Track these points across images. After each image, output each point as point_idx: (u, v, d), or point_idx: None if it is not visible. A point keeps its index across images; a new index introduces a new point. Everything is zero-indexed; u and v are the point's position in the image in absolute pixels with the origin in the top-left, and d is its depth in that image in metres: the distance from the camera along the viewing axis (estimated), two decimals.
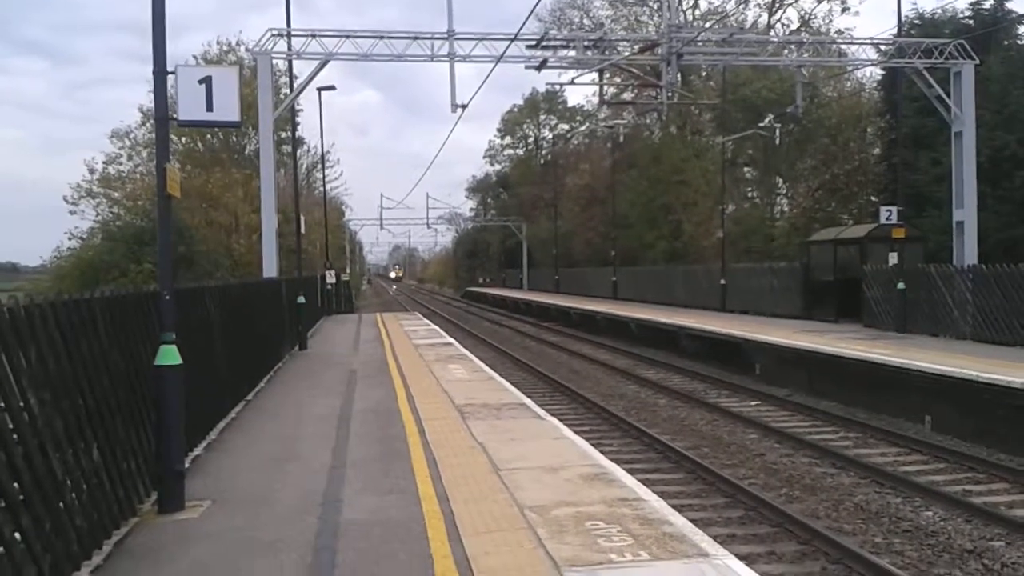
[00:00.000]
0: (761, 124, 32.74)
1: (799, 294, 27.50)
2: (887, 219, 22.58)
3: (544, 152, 77.61)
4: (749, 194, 46.55)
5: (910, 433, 14.13)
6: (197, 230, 32.74)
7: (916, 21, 32.11)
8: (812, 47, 27.26)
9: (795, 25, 46.08)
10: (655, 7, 44.43)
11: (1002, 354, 16.55)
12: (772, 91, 38.28)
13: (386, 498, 7.21)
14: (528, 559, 5.58)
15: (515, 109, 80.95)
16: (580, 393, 18.75)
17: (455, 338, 25.36)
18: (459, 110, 23.91)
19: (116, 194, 36.88)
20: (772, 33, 42.84)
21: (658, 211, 47.54)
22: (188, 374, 7.46)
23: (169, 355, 7.09)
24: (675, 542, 5.87)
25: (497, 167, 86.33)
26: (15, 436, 4.88)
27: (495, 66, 22.82)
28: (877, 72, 35.85)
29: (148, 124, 37.19)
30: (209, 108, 7.54)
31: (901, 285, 21.57)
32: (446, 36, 23.47)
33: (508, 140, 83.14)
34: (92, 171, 36.98)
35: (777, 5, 47.30)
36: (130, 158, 38.46)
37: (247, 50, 37.29)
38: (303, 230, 25.63)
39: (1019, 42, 31.22)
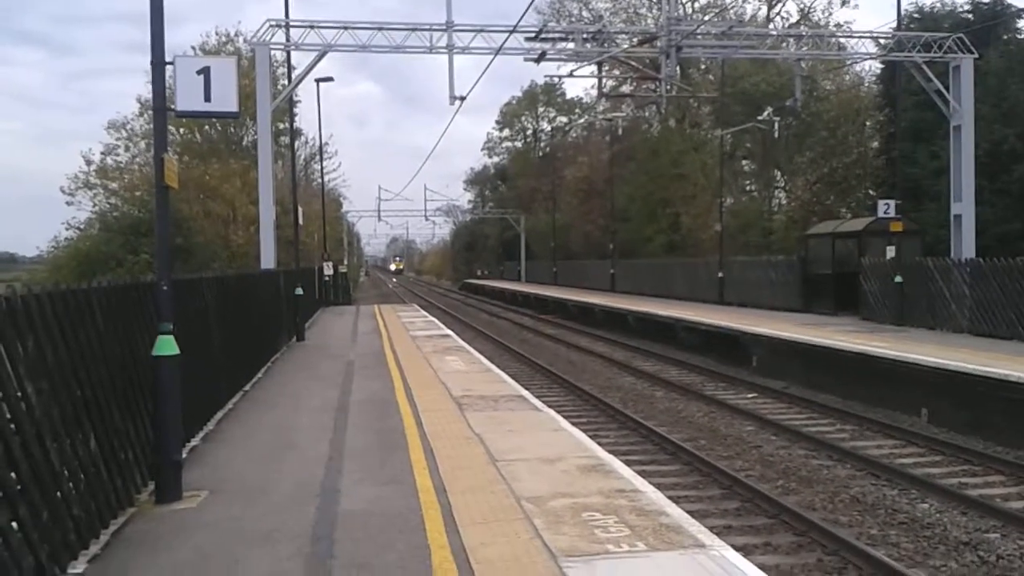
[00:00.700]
0: (760, 117, 32.73)
1: (797, 287, 27.53)
2: (885, 212, 22.59)
3: (542, 144, 77.57)
4: (747, 187, 46.56)
5: (907, 426, 14.16)
6: (195, 221, 32.74)
7: (915, 15, 32.14)
8: (811, 40, 27.27)
9: (794, 18, 46.03)
10: (654, 0, 44.39)
11: (999, 347, 16.59)
12: (771, 84, 38.25)
13: (383, 489, 7.23)
14: (525, 549, 5.60)
15: (513, 101, 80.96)
16: (577, 385, 18.76)
17: (453, 330, 25.38)
18: (457, 102, 23.88)
19: (113, 185, 36.87)
20: (771, 26, 42.80)
21: (656, 204, 47.52)
22: (185, 364, 7.47)
23: (167, 345, 7.09)
24: (672, 533, 5.88)
25: (495, 159, 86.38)
26: (12, 426, 4.89)
27: (494, 58, 22.78)
28: (876, 66, 35.88)
29: (146, 115, 37.15)
30: (207, 99, 7.52)
31: (899, 278, 21.60)
32: (444, 28, 23.43)
33: (506, 132, 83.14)
34: (89, 162, 37.00)
35: None
36: (127, 149, 38.49)
37: (245, 41, 37.31)
38: (301, 222, 25.60)
39: (1018, 36, 31.23)
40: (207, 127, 39.44)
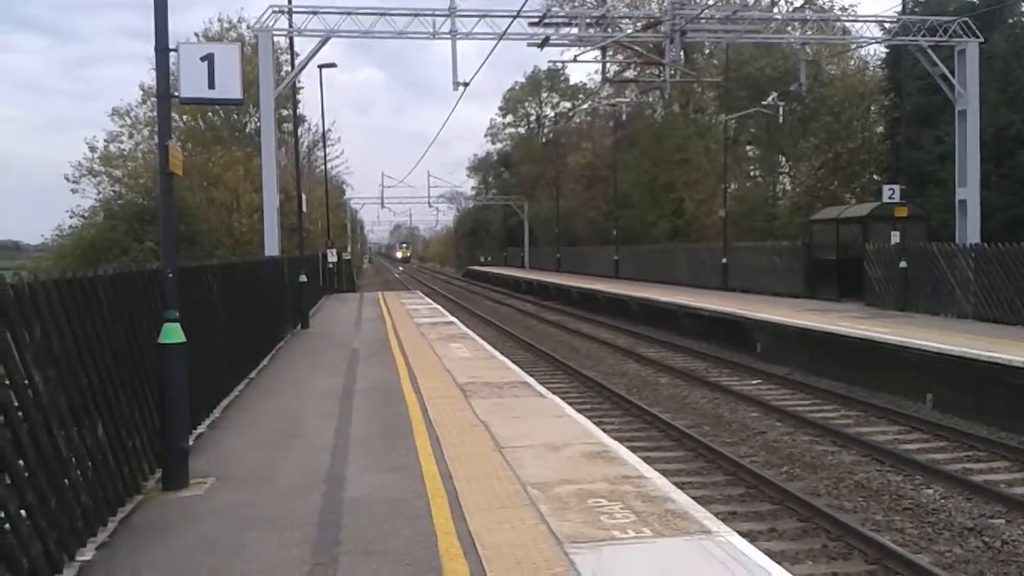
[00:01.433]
0: (764, 102, 32.62)
1: (801, 273, 27.49)
2: (890, 198, 22.54)
3: (546, 130, 77.35)
4: (752, 173, 46.47)
5: (911, 411, 14.16)
6: (198, 209, 32.76)
7: None
8: (816, 25, 27.16)
9: (799, 2, 45.76)
10: None
11: (1004, 332, 16.57)
12: (775, 69, 38.12)
13: (389, 475, 7.25)
14: (531, 535, 5.61)
15: (517, 87, 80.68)
16: (581, 372, 18.78)
17: (456, 317, 25.40)
18: (461, 88, 23.86)
19: (117, 172, 36.90)
20: (776, 10, 42.54)
21: (660, 190, 47.44)
22: (191, 352, 7.48)
23: (173, 333, 7.10)
24: (677, 519, 5.90)
25: (499, 145, 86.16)
26: (20, 413, 4.90)
27: (497, 43, 22.72)
28: (881, 50, 35.65)
29: (149, 102, 37.16)
30: (211, 85, 7.49)
31: (903, 264, 21.56)
32: (448, 13, 23.38)
33: (510, 118, 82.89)
34: (93, 149, 37.04)
35: None
36: (131, 136, 38.54)
37: (248, 27, 37.24)
38: (304, 209, 25.59)
39: None
40: (210, 114, 39.42)
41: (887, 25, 26.33)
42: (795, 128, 39.04)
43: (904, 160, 25.00)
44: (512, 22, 22.45)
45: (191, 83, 7.56)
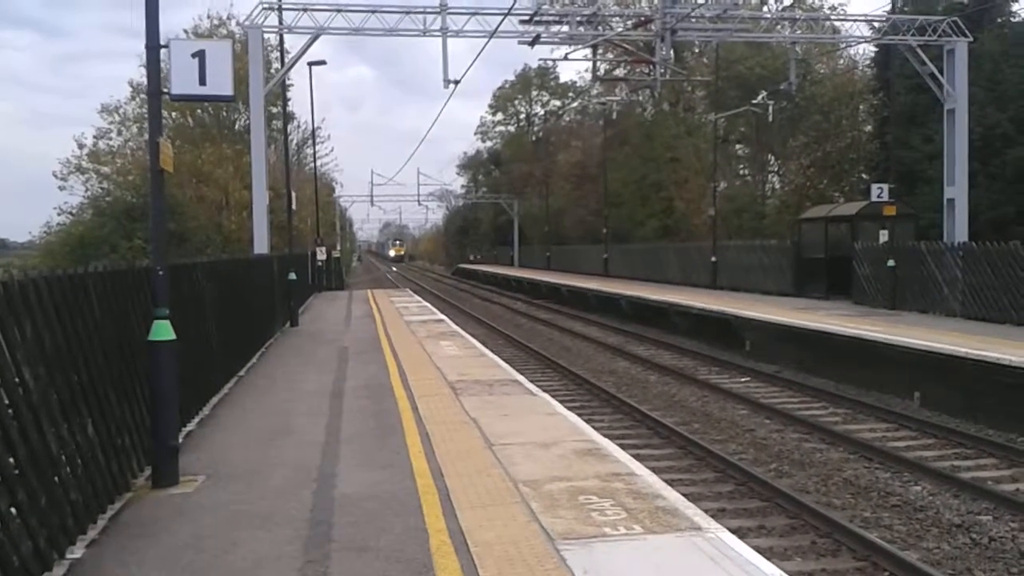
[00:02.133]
0: (754, 101, 32.68)
1: (790, 271, 27.58)
2: (878, 196, 22.64)
3: (536, 129, 77.30)
4: (741, 171, 46.55)
5: (899, 409, 14.23)
6: (188, 206, 32.66)
7: None
8: (806, 24, 27.22)
9: (789, 1, 45.85)
10: None
11: (991, 331, 16.66)
12: (765, 68, 38.21)
13: (380, 473, 7.25)
14: (523, 532, 5.63)
15: (507, 85, 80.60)
16: (571, 370, 18.81)
17: (446, 315, 25.38)
18: (451, 86, 23.83)
19: (106, 169, 36.74)
20: (766, 9, 42.61)
21: (650, 188, 47.50)
22: (181, 349, 7.46)
23: (163, 330, 7.09)
24: (668, 516, 5.92)
25: (489, 144, 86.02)
26: (10, 411, 4.89)
27: (488, 41, 22.72)
28: (870, 49, 35.77)
29: (138, 99, 37.04)
30: (202, 82, 7.49)
31: (891, 262, 21.65)
32: (438, 10, 23.37)
33: (500, 116, 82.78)
34: (81, 146, 36.85)
35: None
36: (120, 133, 38.37)
37: (238, 24, 37.03)
38: (294, 206, 25.54)
39: (1012, 20, 31.18)
40: (199, 111, 39.29)
41: (876, 24, 26.42)
42: (784, 127, 39.13)
43: (893, 159, 25.11)
44: (503, 20, 22.45)
45: (182, 80, 7.55)
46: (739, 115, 37.09)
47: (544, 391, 11.62)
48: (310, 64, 31.04)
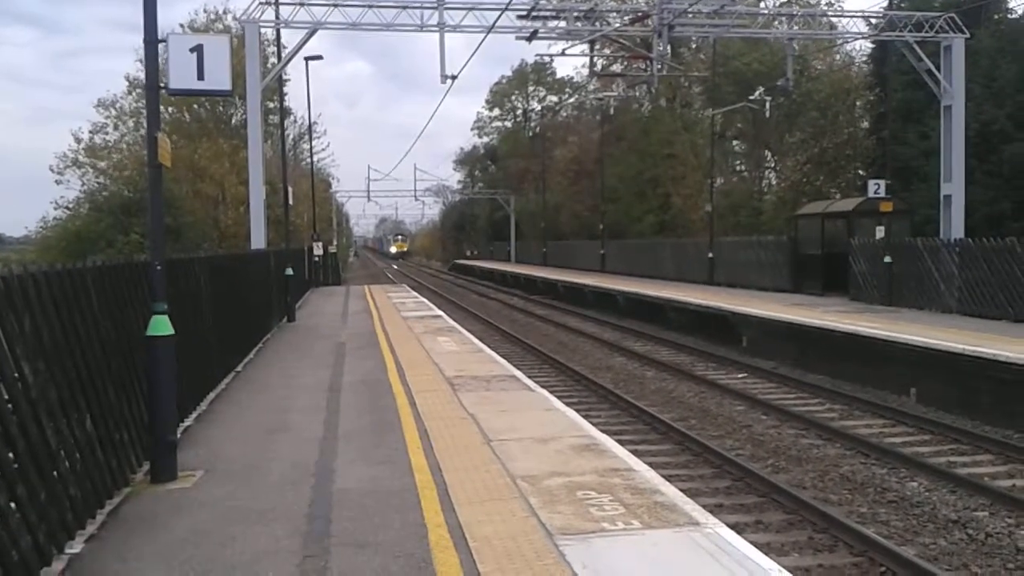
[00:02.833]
0: (751, 97, 32.69)
1: (786, 267, 27.61)
2: (875, 193, 22.66)
3: (533, 124, 77.21)
4: (738, 167, 46.56)
5: (895, 405, 14.27)
6: (184, 201, 32.56)
7: None
8: (803, 20, 27.20)
9: None
10: None
11: (987, 327, 16.70)
12: (762, 64, 38.20)
13: (379, 468, 7.26)
14: (521, 527, 5.64)
15: (504, 81, 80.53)
16: (568, 365, 18.82)
17: (443, 311, 25.37)
18: (448, 81, 23.80)
19: (102, 164, 36.63)
20: (763, 5, 42.55)
21: (647, 184, 47.50)
22: (179, 344, 7.46)
23: (161, 325, 7.09)
24: (666, 511, 5.93)
25: (485, 139, 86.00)
26: (10, 405, 4.89)
27: (485, 36, 22.69)
28: (867, 45, 35.77)
29: (135, 93, 36.92)
30: (200, 77, 7.47)
31: (888, 258, 21.68)
32: (436, 5, 23.33)
33: (496, 112, 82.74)
34: (78, 140, 36.76)
35: None
36: (116, 127, 38.23)
37: (235, 18, 36.99)
38: (290, 202, 25.51)
39: (1010, 16, 31.20)
40: (196, 106, 39.20)
41: (873, 20, 26.40)
42: (781, 123, 39.15)
43: (889, 155, 25.11)
44: (501, 15, 22.41)
45: (180, 74, 7.54)
46: (736, 111, 37.10)
47: (542, 387, 11.62)
48: (307, 59, 31.00)
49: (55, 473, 5.42)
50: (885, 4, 26.11)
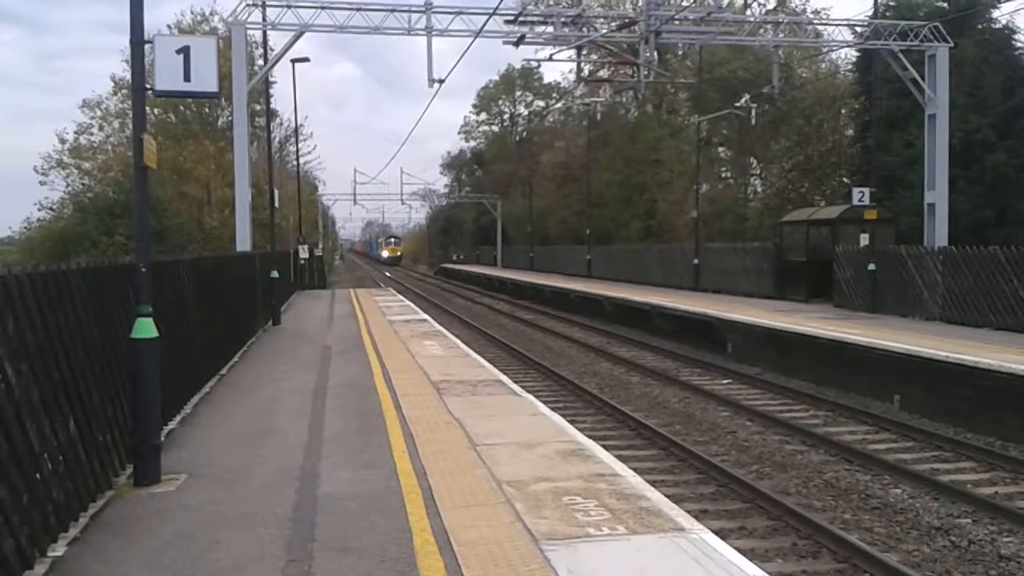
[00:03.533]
0: (737, 104, 32.82)
1: (771, 274, 27.72)
2: (859, 200, 22.77)
3: (520, 129, 77.32)
4: (723, 174, 46.69)
5: (879, 412, 14.33)
6: (169, 203, 32.38)
7: (891, 3, 32.20)
8: (789, 27, 27.34)
9: (772, 4, 46.08)
10: None
11: (970, 335, 16.81)
12: (748, 71, 38.31)
13: (364, 472, 7.23)
14: (507, 533, 5.63)
15: (491, 85, 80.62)
16: (554, 370, 18.82)
17: (429, 315, 25.35)
18: (436, 85, 23.80)
19: (87, 165, 36.44)
20: (749, 13, 42.83)
21: (633, 190, 47.61)
22: (163, 347, 7.42)
23: (145, 328, 7.04)
24: (652, 517, 5.94)
25: (472, 143, 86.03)
26: None
27: (473, 41, 22.68)
28: (852, 54, 35.97)
29: (120, 94, 36.74)
30: (187, 78, 7.43)
31: (872, 266, 21.80)
32: (423, 9, 23.33)
33: (483, 116, 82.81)
34: (63, 141, 36.53)
35: None
36: (101, 128, 38.01)
37: (221, 20, 36.92)
38: (276, 204, 25.43)
39: (993, 26, 31.41)
40: (182, 108, 39.02)
41: (859, 29, 26.58)
42: (767, 130, 39.28)
43: (874, 163, 25.26)
44: (488, 20, 22.45)
45: (166, 76, 7.50)
46: (722, 118, 37.25)
47: (528, 392, 11.62)
48: (293, 61, 30.92)
49: (38, 475, 5.38)
50: (870, 13, 26.26)
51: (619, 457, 8.46)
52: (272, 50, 25.91)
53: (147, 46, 7.35)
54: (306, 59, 31.82)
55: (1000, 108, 27.47)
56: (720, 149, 46.55)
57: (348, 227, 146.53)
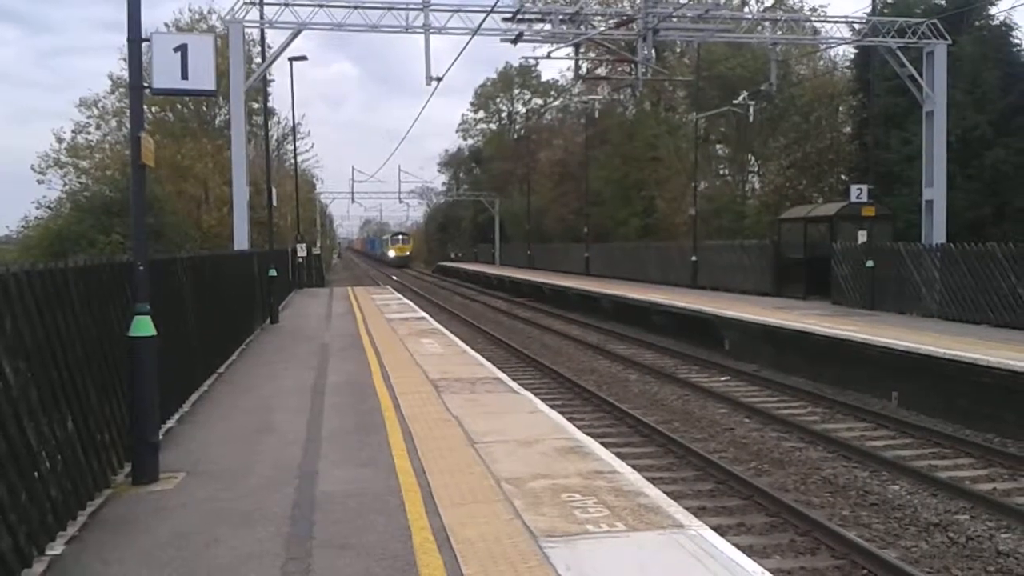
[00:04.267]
0: (735, 101, 32.83)
1: (769, 271, 27.72)
2: (857, 197, 22.77)
3: (518, 127, 77.30)
4: (721, 171, 46.72)
5: (877, 408, 14.34)
6: (166, 201, 32.36)
7: (889, 0, 32.23)
8: (786, 25, 27.37)
9: (770, 2, 46.08)
10: None
11: (968, 332, 16.82)
12: (746, 68, 38.35)
13: (362, 470, 7.23)
14: (506, 530, 5.63)
15: (489, 83, 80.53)
16: (553, 368, 18.82)
17: (427, 313, 25.34)
18: (434, 83, 23.78)
19: (84, 163, 36.45)
20: (747, 10, 42.85)
21: (631, 187, 47.61)
22: (161, 345, 7.41)
23: (143, 326, 7.04)
24: (650, 513, 5.94)
25: (470, 141, 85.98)
26: None
27: (471, 38, 22.69)
28: (850, 51, 36.00)
29: (117, 92, 36.73)
30: (184, 76, 7.43)
31: (870, 263, 21.80)
32: (421, 7, 23.30)
33: (481, 114, 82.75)
34: (60, 140, 36.54)
35: None
36: (99, 127, 38.01)
37: (219, 18, 36.88)
38: (274, 202, 25.42)
39: (991, 23, 31.40)
40: (180, 106, 39.03)
41: (856, 26, 26.58)
42: (764, 127, 39.31)
43: (872, 160, 25.24)
44: (486, 17, 22.41)
45: (164, 74, 7.50)
46: (720, 115, 37.27)
47: (526, 389, 11.62)
48: (291, 59, 30.98)
49: (36, 474, 5.37)
50: (868, 10, 26.26)
51: (617, 454, 8.46)
52: (270, 48, 25.89)
53: (145, 44, 7.33)
54: (304, 57, 31.94)
55: (998, 105, 27.46)
56: (718, 146, 46.59)
57: (346, 225, 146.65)
